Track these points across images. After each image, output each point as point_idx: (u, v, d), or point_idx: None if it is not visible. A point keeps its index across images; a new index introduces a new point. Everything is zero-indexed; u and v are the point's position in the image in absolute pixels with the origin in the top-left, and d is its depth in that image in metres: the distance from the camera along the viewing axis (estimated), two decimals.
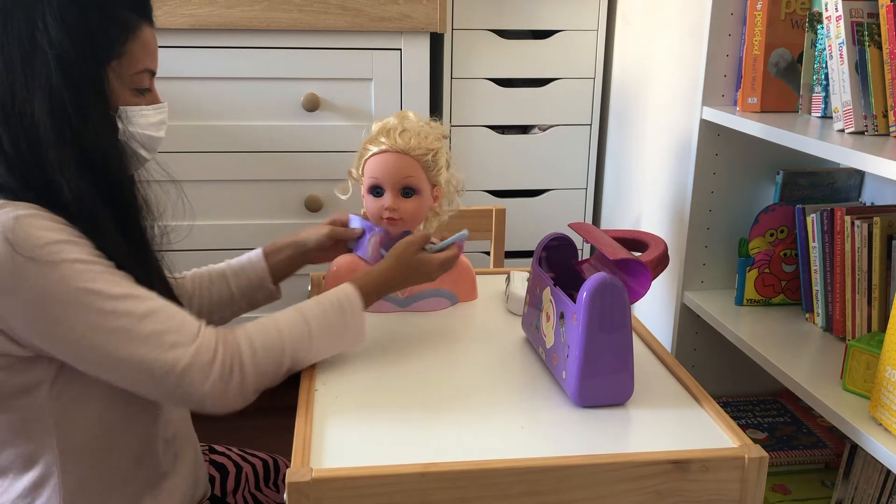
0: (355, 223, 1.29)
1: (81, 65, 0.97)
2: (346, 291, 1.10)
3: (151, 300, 0.98)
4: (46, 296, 0.92)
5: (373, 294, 1.13)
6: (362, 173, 1.24)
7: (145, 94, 1.06)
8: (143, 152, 1.07)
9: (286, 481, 0.82)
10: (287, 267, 1.32)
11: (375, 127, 1.26)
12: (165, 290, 1.07)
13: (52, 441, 1.01)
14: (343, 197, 1.29)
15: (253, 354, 1.01)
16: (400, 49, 2.05)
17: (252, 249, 1.32)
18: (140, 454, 1.09)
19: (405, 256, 1.17)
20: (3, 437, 1.01)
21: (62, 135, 0.95)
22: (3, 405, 1.00)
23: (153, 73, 1.07)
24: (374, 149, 1.22)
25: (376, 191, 1.23)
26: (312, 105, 2.05)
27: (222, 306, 1.29)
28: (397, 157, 1.21)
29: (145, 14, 1.05)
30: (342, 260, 1.28)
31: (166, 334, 0.96)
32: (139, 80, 1.04)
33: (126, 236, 1.01)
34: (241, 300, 1.29)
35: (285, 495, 0.82)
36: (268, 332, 1.03)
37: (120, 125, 1.02)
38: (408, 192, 1.22)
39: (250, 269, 1.29)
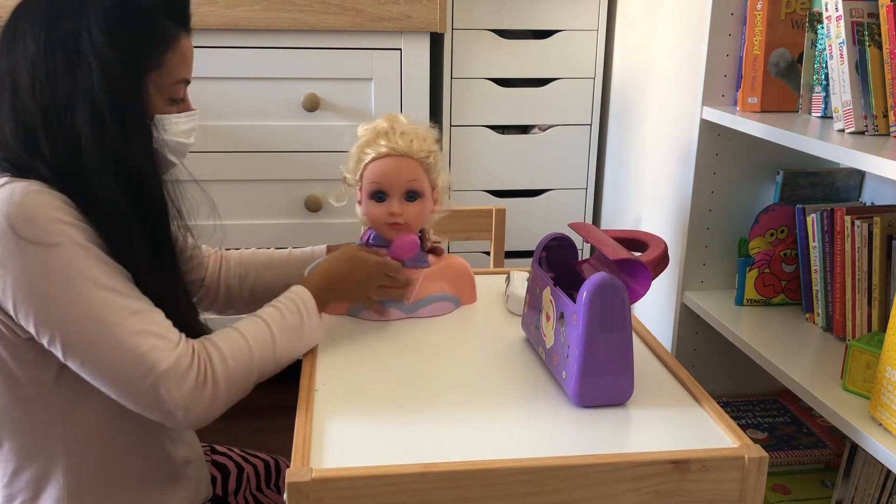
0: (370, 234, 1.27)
1: (124, 75, 0.98)
2: (298, 292, 1.12)
3: (141, 300, 0.98)
4: (39, 276, 0.92)
5: (321, 289, 1.14)
6: (359, 178, 1.22)
7: (178, 103, 1.08)
8: (172, 158, 1.09)
9: (286, 481, 0.82)
10: None
11: (363, 130, 1.23)
12: (185, 296, 1.09)
13: (57, 433, 1.02)
14: (337, 204, 1.28)
15: (224, 365, 1.01)
16: (400, 49, 2.05)
17: (271, 247, 1.37)
18: (145, 453, 1.10)
19: (345, 250, 1.21)
20: (10, 428, 1.02)
21: (102, 144, 0.97)
22: (12, 395, 1.01)
23: (188, 83, 1.08)
24: (375, 153, 1.19)
25: (379, 196, 1.20)
26: (312, 105, 2.05)
27: (275, 292, 1.30)
28: (401, 161, 1.19)
29: (184, 24, 1.06)
30: None
31: (150, 336, 0.96)
32: (175, 91, 1.06)
33: (151, 243, 1.02)
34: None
35: (285, 495, 0.82)
36: (236, 342, 1.03)
37: (154, 133, 1.03)
38: (412, 195, 1.20)
39: (311, 263, 1.30)
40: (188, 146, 1.11)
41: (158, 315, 1.00)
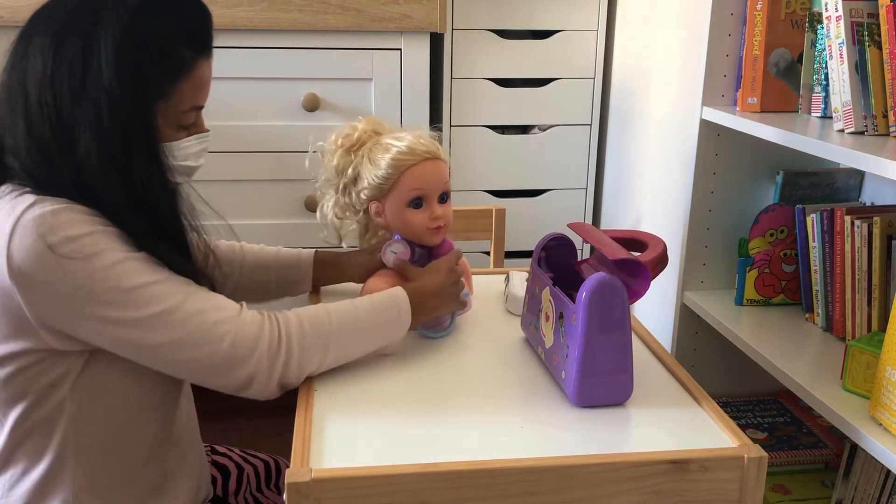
0: (399, 246, 1.21)
1: (130, 108, 0.96)
2: (396, 293, 1.10)
3: (189, 284, 0.99)
4: (88, 289, 0.93)
5: (417, 296, 1.11)
6: (386, 190, 1.16)
7: (189, 128, 1.06)
8: (179, 179, 1.07)
9: (285, 482, 0.82)
10: (328, 282, 1.32)
11: (343, 139, 1.20)
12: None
13: (68, 434, 1.02)
14: (342, 219, 1.26)
15: (301, 333, 1.01)
16: (400, 49, 2.05)
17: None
18: (150, 453, 1.10)
19: (434, 264, 1.17)
20: (23, 428, 1.02)
21: (107, 172, 0.96)
22: (29, 399, 1.00)
23: (201, 108, 1.06)
24: (411, 159, 1.15)
25: (417, 202, 1.16)
26: (312, 105, 2.04)
27: (256, 292, 1.30)
28: (436, 164, 1.16)
29: (203, 48, 1.03)
30: (376, 284, 1.20)
31: (208, 313, 0.98)
32: (185, 118, 1.04)
33: (169, 247, 1.01)
34: (276, 292, 1.31)
35: (285, 496, 0.82)
36: (315, 311, 1.04)
37: (162, 159, 1.01)
38: (444, 197, 1.18)
39: (296, 269, 1.30)
40: (196, 168, 1.09)
41: (209, 292, 1.01)
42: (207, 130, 1.09)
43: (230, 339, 0.97)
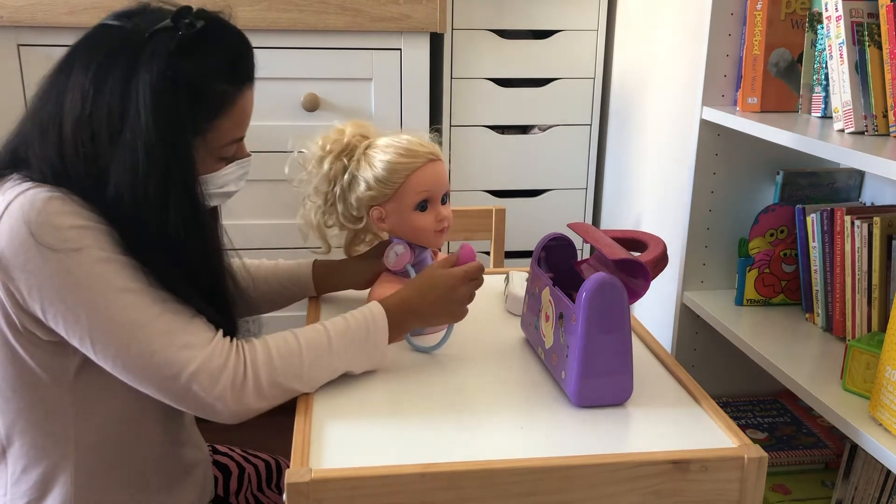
0: (400, 248, 1.19)
1: (166, 151, 0.95)
2: (372, 308, 1.07)
3: (166, 302, 0.97)
4: (64, 282, 0.92)
5: (398, 312, 1.08)
6: (391, 194, 1.14)
7: (230, 157, 1.05)
8: (216, 202, 1.07)
9: (285, 482, 0.82)
10: (329, 290, 1.31)
11: (332, 144, 1.18)
12: (218, 294, 1.05)
13: (69, 434, 1.02)
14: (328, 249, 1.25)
15: (269, 364, 0.99)
16: (400, 49, 2.05)
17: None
18: (155, 455, 1.09)
19: (425, 273, 1.13)
20: (22, 426, 1.02)
21: (138, 207, 0.95)
22: (28, 395, 1.00)
23: (241, 139, 1.05)
24: (414, 161, 1.13)
25: (423, 205, 1.15)
26: (312, 105, 2.05)
27: (264, 305, 1.29)
28: (438, 165, 1.15)
29: (244, 82, 1.01)
30: (382, 291, 1.18)
31: (178, 334, 0.96)
32: (225, 151, 1.03)
33: (202, 299, 1.00)
34: (280, 303, 1.31)
35: (285, 496, 0.82)
36: (286, 341, 1.01)
37: (198, 190, 1.00)
38: (445, 198, 1.17)
39: (296, 281, 1.29)
40: (236, 192, 1.09)
41: (187, 313, 0.98)
42: (249, 155, 1.08)
43: (194, 366, 0.95)
